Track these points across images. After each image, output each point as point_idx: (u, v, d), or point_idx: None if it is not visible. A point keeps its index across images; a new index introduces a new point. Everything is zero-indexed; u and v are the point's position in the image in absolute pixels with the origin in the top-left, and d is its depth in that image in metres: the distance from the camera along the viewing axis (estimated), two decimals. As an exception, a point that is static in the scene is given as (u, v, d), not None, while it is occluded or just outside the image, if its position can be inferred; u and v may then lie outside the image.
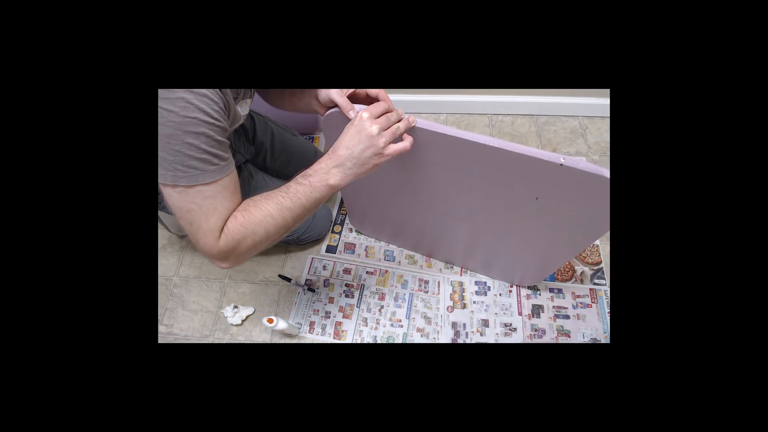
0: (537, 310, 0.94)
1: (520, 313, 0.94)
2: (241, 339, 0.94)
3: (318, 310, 0.96)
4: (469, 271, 1.00)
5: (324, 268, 1.02)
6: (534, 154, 0.55)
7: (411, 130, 0.60)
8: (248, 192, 0.62)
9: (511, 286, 0.97)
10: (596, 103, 1.23)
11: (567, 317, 0.93)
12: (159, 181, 0.50)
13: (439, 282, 0.99)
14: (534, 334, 0.91)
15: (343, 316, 0.95)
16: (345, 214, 1.11)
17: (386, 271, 1.01)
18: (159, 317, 0.97)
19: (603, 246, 1.02)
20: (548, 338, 0.90)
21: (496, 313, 0.94)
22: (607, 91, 1.14)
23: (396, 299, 0.97)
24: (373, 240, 1.07)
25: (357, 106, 0.60)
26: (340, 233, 1.08)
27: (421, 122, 0.59)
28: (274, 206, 0.55)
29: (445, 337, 0.91)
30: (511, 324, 0.92)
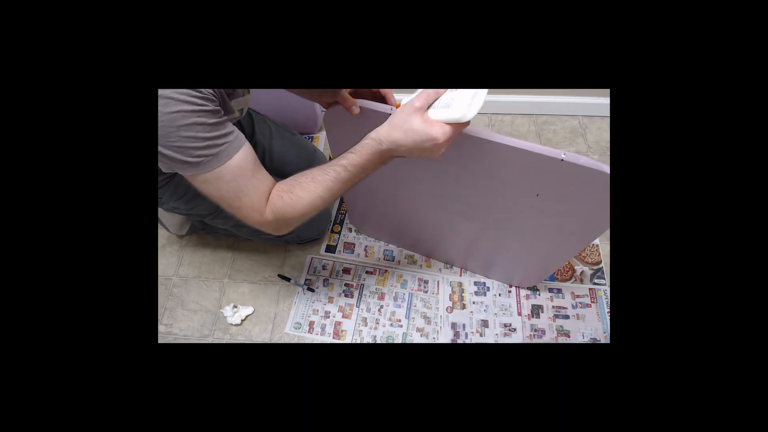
0: (536, 311, 0.94)
1: (519, 314, 0.94)
2: (241, 339, 0.94)
3: (317, 310, 0.96)
4: (468, 272, 1.00)
5: (323, 267, 1.02)
6: (535, 150, 0.56)
7: None
8: None
9: (511, 287, 0.97)
10: (596, 102, 1.23)
11: (566, 317, 0.93)
12: (185, 175, 0.53)
13: (438, 282, 0.99)
14: (534, 335, 0.91)
15: (343, 316, 0.95)
16: (344, 213, 1.11)
17: (386, 270, 1.01)
18: (158, 317, 0.97)
19: (603, 245, 1.02)
20: (548, 338, 0.90)
21: (495, 314, 0.94)
22: (607, 90, 1.14)
23: (395, 299, 0.97)
24: (372, 240, 1.07)
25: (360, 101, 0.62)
26: (339, 233, 1.08)
27: None
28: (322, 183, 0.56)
29: (444, 338, 0.91)
30: (510, 324, 0.92)
